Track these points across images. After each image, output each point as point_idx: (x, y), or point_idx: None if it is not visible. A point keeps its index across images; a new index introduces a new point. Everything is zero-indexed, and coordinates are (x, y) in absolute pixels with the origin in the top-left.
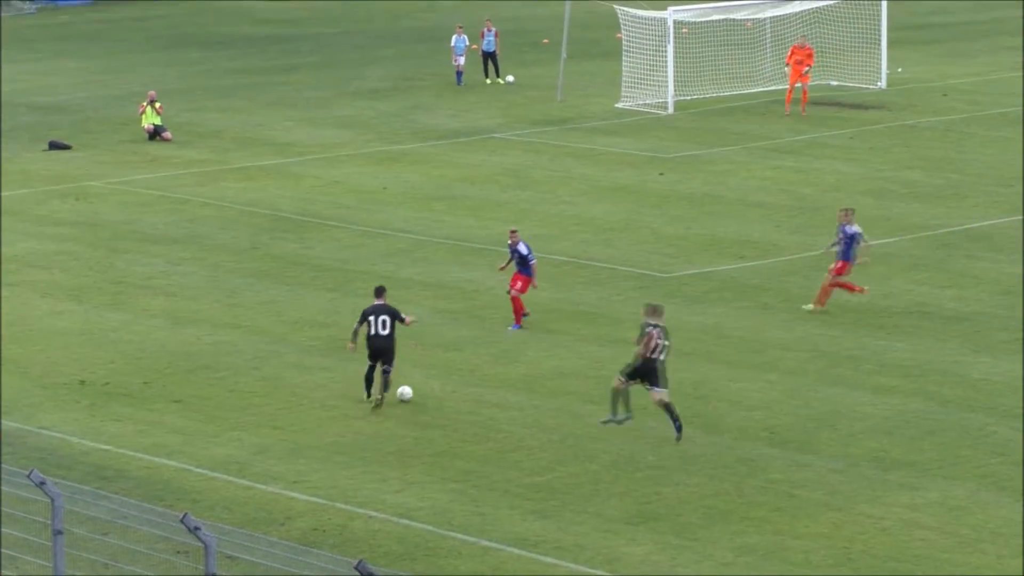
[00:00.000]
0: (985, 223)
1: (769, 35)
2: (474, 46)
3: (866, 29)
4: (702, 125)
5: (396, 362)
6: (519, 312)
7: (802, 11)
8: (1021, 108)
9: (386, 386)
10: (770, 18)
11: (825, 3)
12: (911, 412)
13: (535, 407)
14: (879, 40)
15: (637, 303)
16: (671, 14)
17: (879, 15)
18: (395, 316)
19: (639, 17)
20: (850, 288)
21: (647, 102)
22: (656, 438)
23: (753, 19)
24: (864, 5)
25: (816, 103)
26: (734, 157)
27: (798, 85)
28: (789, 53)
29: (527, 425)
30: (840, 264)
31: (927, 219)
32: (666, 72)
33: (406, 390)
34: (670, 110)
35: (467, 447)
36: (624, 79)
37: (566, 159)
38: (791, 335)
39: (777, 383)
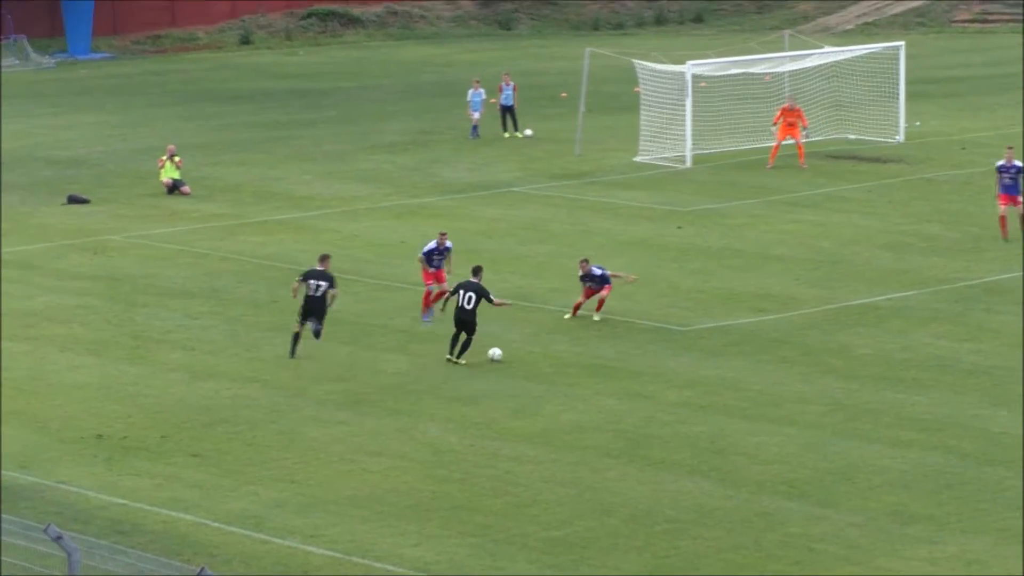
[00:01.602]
0: (1004, 276)
1: (788, 89)
2: (492, 100)
3: (884, 83)
4: (720, 179)
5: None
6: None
7: (820, 65)
8: None
9: (319, 334)
10: (788, 72)
11: (843, 57)
12: (929, 466)
13: (553, 461)
14: (897, 94)
15: (656, 357)
16: (689, 68)
17: (897, 69)
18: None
19: (657, 71)
20: None
21: (665, 156)
22: (674, 492)
23: (771, 73)
24: (882, 59)
25: (835, 156)
26: (752, 210)
27: (790, 141)
28: (778, 114)
29: (544, 479)
30: None
31: (946, 272)
32: (684, 126)
33: (496, 352)
34: (688, 164)
35: (484, 501)
36: (642, 133)
37: (584, 213)
38: (810, 388)
39: (795, 436)
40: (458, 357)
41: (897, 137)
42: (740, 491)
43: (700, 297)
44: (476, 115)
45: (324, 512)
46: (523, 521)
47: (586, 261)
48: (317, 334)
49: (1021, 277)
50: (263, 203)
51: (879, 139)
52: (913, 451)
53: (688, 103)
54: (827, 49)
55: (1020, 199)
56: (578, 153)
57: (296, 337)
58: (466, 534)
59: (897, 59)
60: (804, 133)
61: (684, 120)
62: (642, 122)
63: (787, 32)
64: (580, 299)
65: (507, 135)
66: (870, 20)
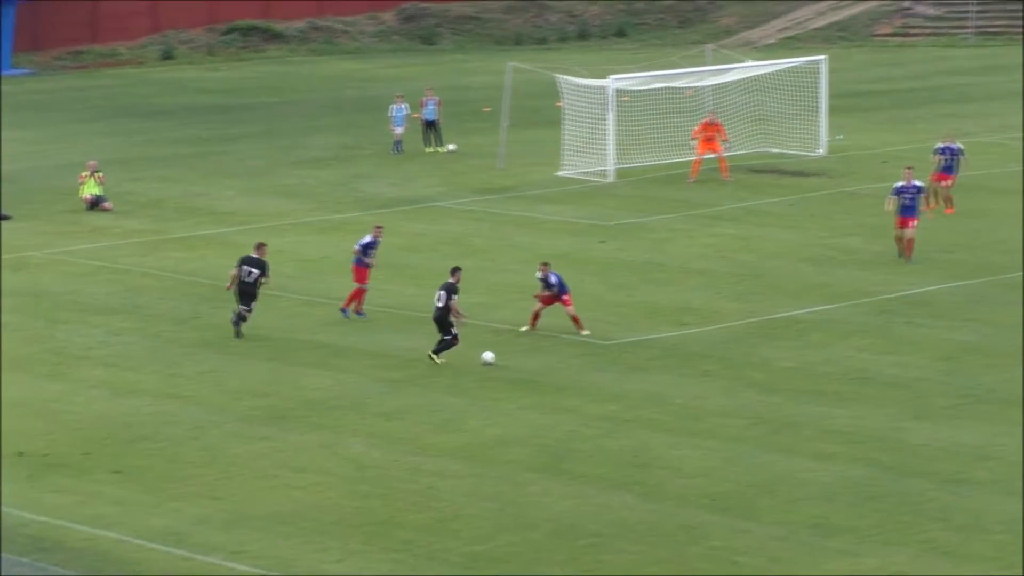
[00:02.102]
0: (925, 289)
1: (711, 103)
2: (415, 115)
3: (806, 96)
4: (643, 193)
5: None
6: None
7: (742, 79)
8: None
9: (245, 318)
10: (711, 86)
11: (765, 71)
12: (851, 479)
13: (475, 475)
14: (819, 107)
15: (579, 371)
16: (612, 83)
17: (819, 82)
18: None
19: (580, 86)
20: None
21: (588, 170)
22: (597, 506)
23: (693, 87)
24: (804, 73)
25: (757, 170)
26: (675, 224)
27: (710, 155)
28: (698, 127)
29: (467, 494)
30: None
31: (867, 285)
32: (607, 140)
33: (488, 355)
34: (611, 178)
35: (407, 516)
36: (565, 147)
37: (507, 227)
38: (732, 402)
39: (717, 450)
40: (435, 353)
41: (819, 151)
42: (663, 505)
43: (623, 311)
44: (399, 130)
45: (247, 528)
46: (445, 536)
47: (546, 264)
48: (243, 317)
49: (941, 290)
50: (185, 219)
51: (801, 153)
52: (835, 464)
53: (611, 117)
54: (749, 63)
55: (915, 222)
56: (501, 167)
57: (237, 317)
58: (389, 549)
59: (819, 73)
60: (724, 147)
61: (607, 134)
62: (565, 136)
63: (709, 46)
64: (538, 307)
65: (430, 150)
66: (792, 34)
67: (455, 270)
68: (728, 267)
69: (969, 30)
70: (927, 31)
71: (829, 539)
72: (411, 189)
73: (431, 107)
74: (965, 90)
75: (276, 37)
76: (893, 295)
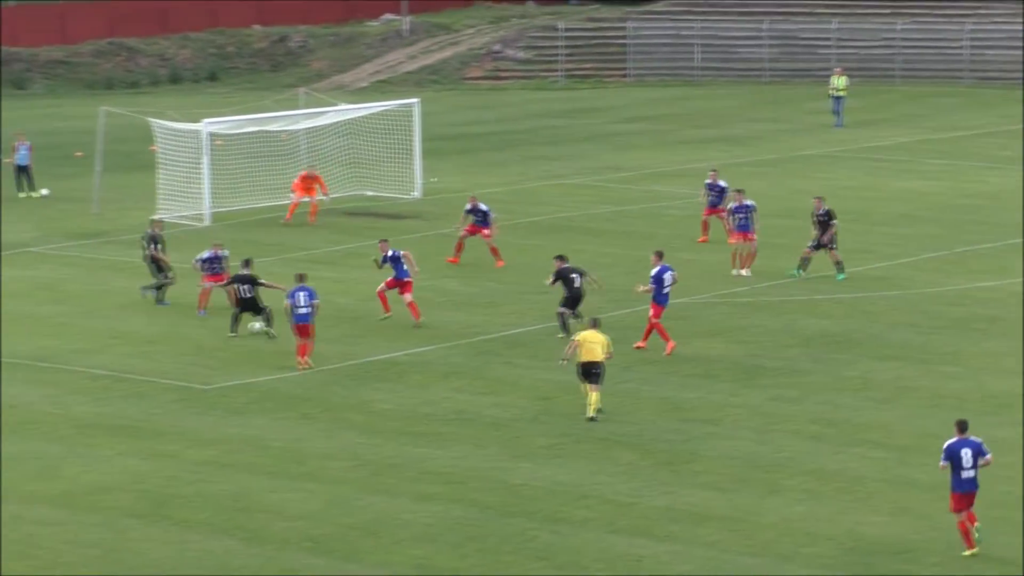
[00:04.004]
0: (520, 330)
1: (304, 146)
2: (7, 160)
3: (400, 139)
4: (239, 236)
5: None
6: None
7: (336, 122)
8: (550, 216)
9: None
10: (304, 129)
11: (359, 114)
12: (453, 519)
13: (76, 522)
14: (413, 150)
15: (178, 416)
16: (205, 126)
17: (412, 125)
18: (254, 283)
19: (174, 129)
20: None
21: (184, 214)
22: (199, 551)
23: (287, 131)
24: (397, 116)
25: (353, 213)
26: (271, 268)
27: (306, 200)
28: (297, 181)
29: (67, 541)
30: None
31: (464, 327)
32: (202, 184)
33: (257, 325)
34: (207, 222)
35: (9, 564)
36: (160, 191)
37: (103, 272)
38: (332, 444)
39: (319, 492)
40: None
41: (414, 193)
42: (265, 548)
43: (222, 355)
44: None
45: None
46: None
47: (385, 241)
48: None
49: (537, 330)
50: None
51: (396, 195)
52: (436, 504)
53: (205, 161)
54: (342, 107)
55: (753, 236)
56: (96, 212)
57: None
58: None
59: (412, 116)
60: (324, 200)
61: (202, 178)
62: (160, 180)
63: (302, 90)
64: (383, 286)
65: (22, 195)
66: (384, 78)
67: (247, 262)
68: (326, 310)
69: (559, 73)
70: (518, 74)
71: None
72: (4, 234)
73: (23, 152)
74: (556, 132)
75: None
76: (490, 336)
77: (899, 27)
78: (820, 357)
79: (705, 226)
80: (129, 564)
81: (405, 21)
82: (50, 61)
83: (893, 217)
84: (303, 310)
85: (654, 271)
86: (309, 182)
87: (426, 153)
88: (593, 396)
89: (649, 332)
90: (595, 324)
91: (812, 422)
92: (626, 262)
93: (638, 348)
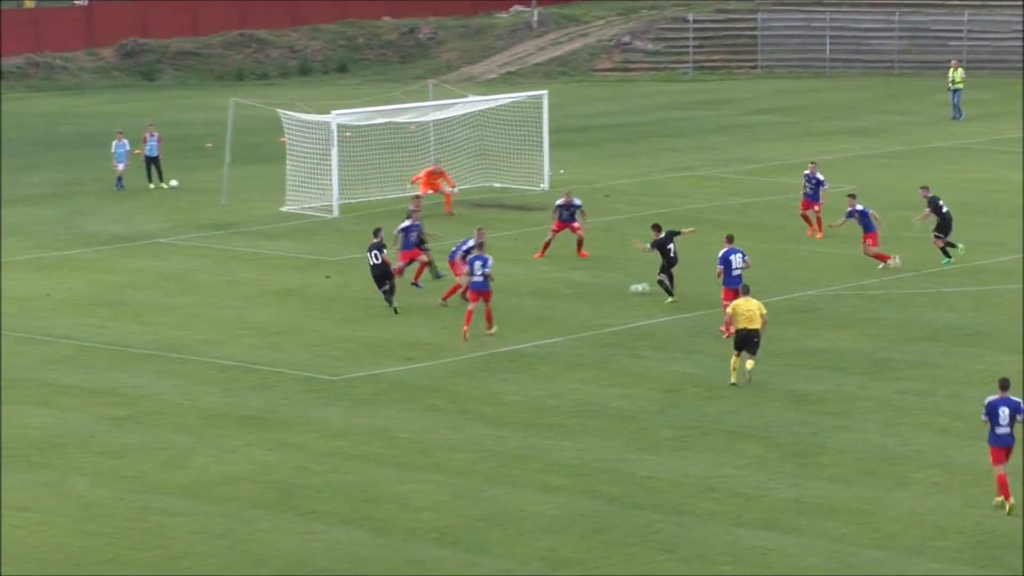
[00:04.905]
0: (648, 322)
1: (433, 138)
2: (137, 151)
3: (528, 131)
4: (367, 228)
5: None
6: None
7: (465, 114)
8: (678, 208)
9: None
10: (433, 121)
11: (487, 106)
12: (578, 511)
13: (204, 513)
14: (541, 142)
15: (306, 407)
16: (335, 118)
17: (541, 117)
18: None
19: (303, 121)
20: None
21: (312, 205)
22: (326, 541)
23: (416, 122)
24: (526, 108)
25: (480, 204)
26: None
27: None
28: (424, 175)
29: (195, 531)
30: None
31: (591, 318)
32: (331, 175)
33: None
34: (335, 213)
35: (135, 555)
36: (289, 183)
37: (231, 263)
38: (458, 435)
39: (445, 484)
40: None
41: (542, 185)
42: (392, 539)
43: (349, 347)
44: (120, 166)
45: None
46: (175, 574)
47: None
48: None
49: (664, 323)
50: None
51: (524, 187)
52: (562, 496)
53: (334, 152)
54: (471, 98)
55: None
56: (224, 203)
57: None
58: None
59: (540, 108)
60: (452, 192)
61: (330, 170)
62: (288, 172)
63: (431, 81)
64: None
65: (152, 186)
66: (513, 69)
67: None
68: (454, 301)
69: (688, 65)
70: (646, 66)
71: (558, 571)
72: (133, 225)
73: (152, 143)
74: (685, 123)
75: None
76: (617, 328)
77: None
78: (948, 350)
79: (806, 219)
80: (257, 554)
81: (534, 13)
82: (180, 52)
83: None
84: (478, 277)
85: (721, 252)
86: (434, 178)
87: (554, 145)
88: (749, 363)
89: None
90: (746, 291)
91: (941, 415)
92: (754, 254)
93: (726, 334)
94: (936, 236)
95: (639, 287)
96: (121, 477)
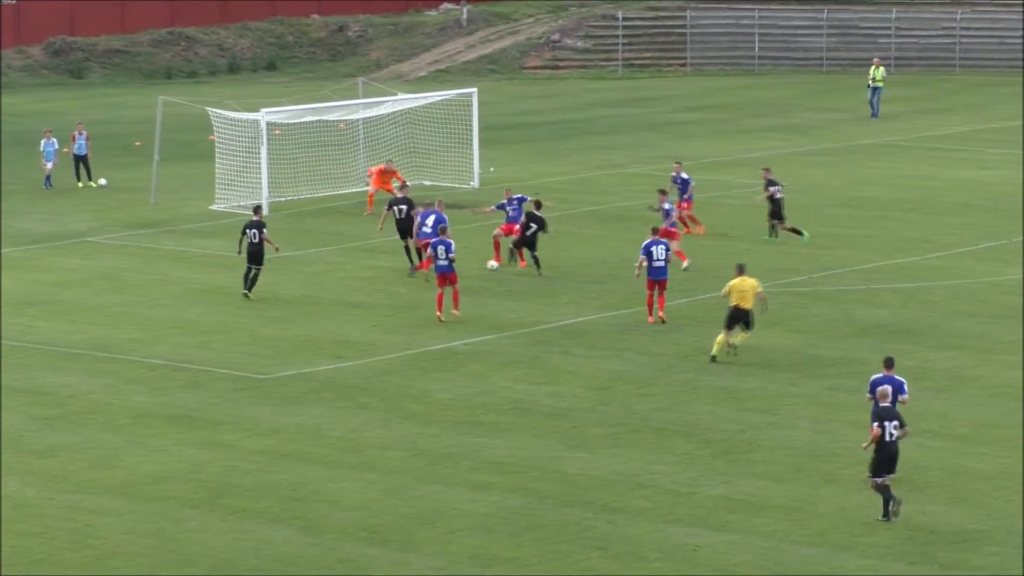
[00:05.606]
0: (579, 319)
1: (362, 136)
2: (66, 149)
3: (458, 129)
4: (298, 226)
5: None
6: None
7: (394, 112)
8: (608, 205)
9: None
10: (363, 119)
11: (417, 103)
12: (509, 509)
13: (133, 512)
14: (471, 139)
15: (236, 405)
16: (264, 116)
17: (471, 115)
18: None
19: (232, 119)
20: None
21: (242, 204)
22: (257, 540)
23: (346, 120)
24: (455, 105)
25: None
26: (330, 258)
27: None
28: (376, 172)
29: (125, 531)
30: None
31: (523, 316)
32: (260, 174)
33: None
34: (265, 211)
35: (65, 555)
36: (218, 181)
37: (161, 262)
38: (389, 434)
39: (376, 482)
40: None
41: (472, 183)
42: (323, 538)
43: (279, 345)
44: (49, 165)
45: None
46: (105, 574)
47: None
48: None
49: (595, 320)
50: None
51: (455, 185)
52: (493, 494)
53: (263, 151)
54: (401, 96)
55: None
56: (154, 202)
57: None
58: None
59: (470, 105)
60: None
61: (260, 168)
62: (218, 170)
63: (361, 79)
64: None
65: (81, 185)
66: (443, 67)
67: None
68: (384, 299)
69: (617, 63)
70: (576, 64)
71: (488, 569)
72: (62, 224)
73: (81, 142)
74: (614, 121)
75: None
76: (548, 325)
77: (958, 16)
78: (878, 346)
79: (682, 221)
80: (187, 554)
81: (464, 10)
82: (108, 51)
83: (952, 206)
84: (443, 262)
85: (644, 243)
86: (386, 176)
87: (484, 143)
88: (740, 337)
89: (650, 305)
90: (742, 270)
91: (870, 412)
92: (685, 251)
93: (657, 322)
94: (775, 221)
95: (492, 264)
96: (51, 477)
